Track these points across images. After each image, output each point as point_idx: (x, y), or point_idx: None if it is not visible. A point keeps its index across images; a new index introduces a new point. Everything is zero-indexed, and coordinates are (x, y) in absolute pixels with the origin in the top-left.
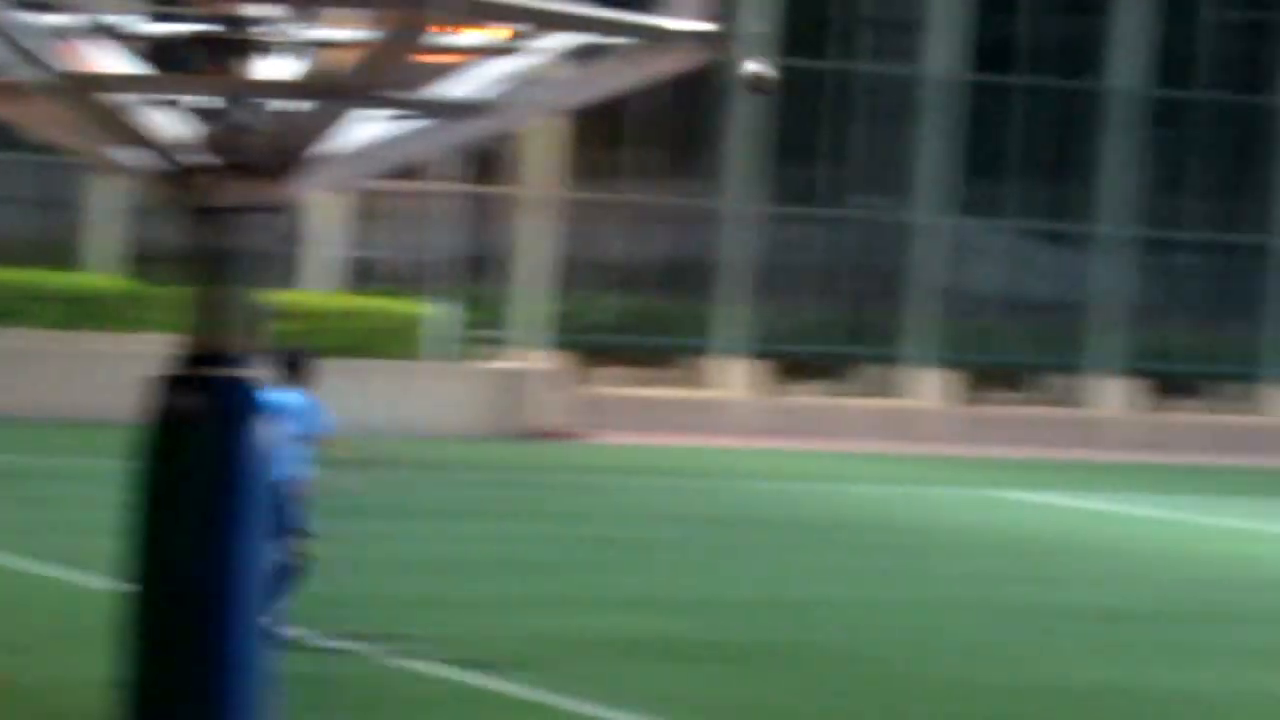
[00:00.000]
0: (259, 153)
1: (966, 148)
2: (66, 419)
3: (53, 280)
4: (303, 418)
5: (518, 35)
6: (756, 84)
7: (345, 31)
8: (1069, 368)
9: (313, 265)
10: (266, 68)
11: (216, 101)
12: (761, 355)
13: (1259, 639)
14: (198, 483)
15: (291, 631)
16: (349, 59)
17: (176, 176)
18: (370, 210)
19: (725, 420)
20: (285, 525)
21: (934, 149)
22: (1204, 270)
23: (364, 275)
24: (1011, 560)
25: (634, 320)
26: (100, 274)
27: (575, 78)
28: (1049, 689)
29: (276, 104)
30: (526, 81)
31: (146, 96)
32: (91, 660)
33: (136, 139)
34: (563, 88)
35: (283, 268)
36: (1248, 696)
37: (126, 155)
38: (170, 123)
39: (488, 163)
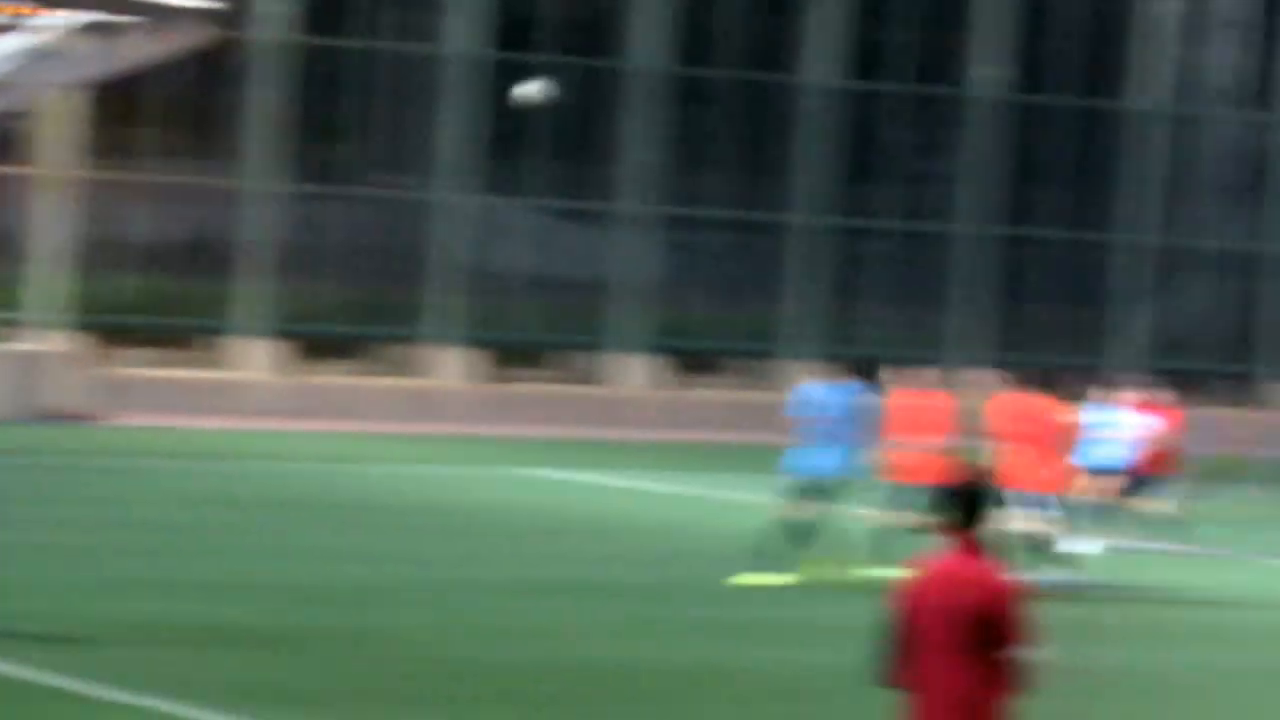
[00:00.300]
0: None
1: (489, 126)
2: None
3: None
4: None
5: (24, 12)
6: (531, 101)
7: None
8: (592, 346)
9: None
10: None
11: None
12: (283, 335)
13: (765, 613)
14: None
15: None
16: None
17: None
18: None
19: (247, 401)
20: None
21: (455, 128)
22: (724, 248)
23: None
24: (537, 539)
25: (155, 300)
26: None
27: (86, 54)
28: (565, 666)
29: None
30: (37, 58)
31: None
32: None
33: None
34: (74, 65)
35: None
36: (745, 668)
37: None
38: None
39: (1, 142)
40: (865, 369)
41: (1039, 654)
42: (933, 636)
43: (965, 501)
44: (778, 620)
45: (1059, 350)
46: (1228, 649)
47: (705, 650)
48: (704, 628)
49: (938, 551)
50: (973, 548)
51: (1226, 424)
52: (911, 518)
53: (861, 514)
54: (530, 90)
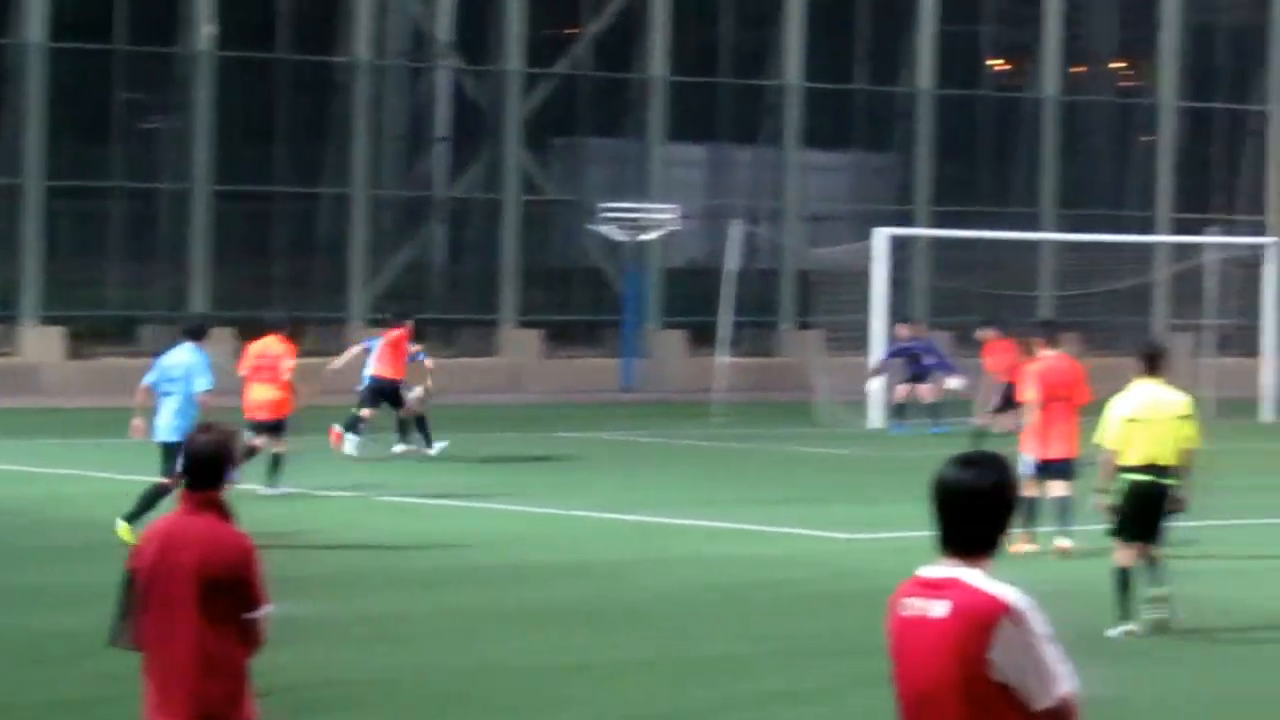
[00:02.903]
0: None
1: None
2: None
3: None
4: None
5: None
6: None
7: None
8: None
9: None
10: None
11: None
12: None
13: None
14: None
15: None
16: None
17: None
18: None
19: None
20: None
21: None
22: None
23: None
24: None
25: None
26: None
27: None
28: None
29: None
30: None
31: None
32: None
33: None
34: None
35: None
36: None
37: None
38: None
39: None
40: (194, 331)
41: (277, 609)
42: (163, 595)
43: (195, 461)
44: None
45: (301, 302)
46: (463, 591)
47: None
48: None
49: (172, 510)
50: (204, 506)
51: (471, 372)
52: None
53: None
54: None
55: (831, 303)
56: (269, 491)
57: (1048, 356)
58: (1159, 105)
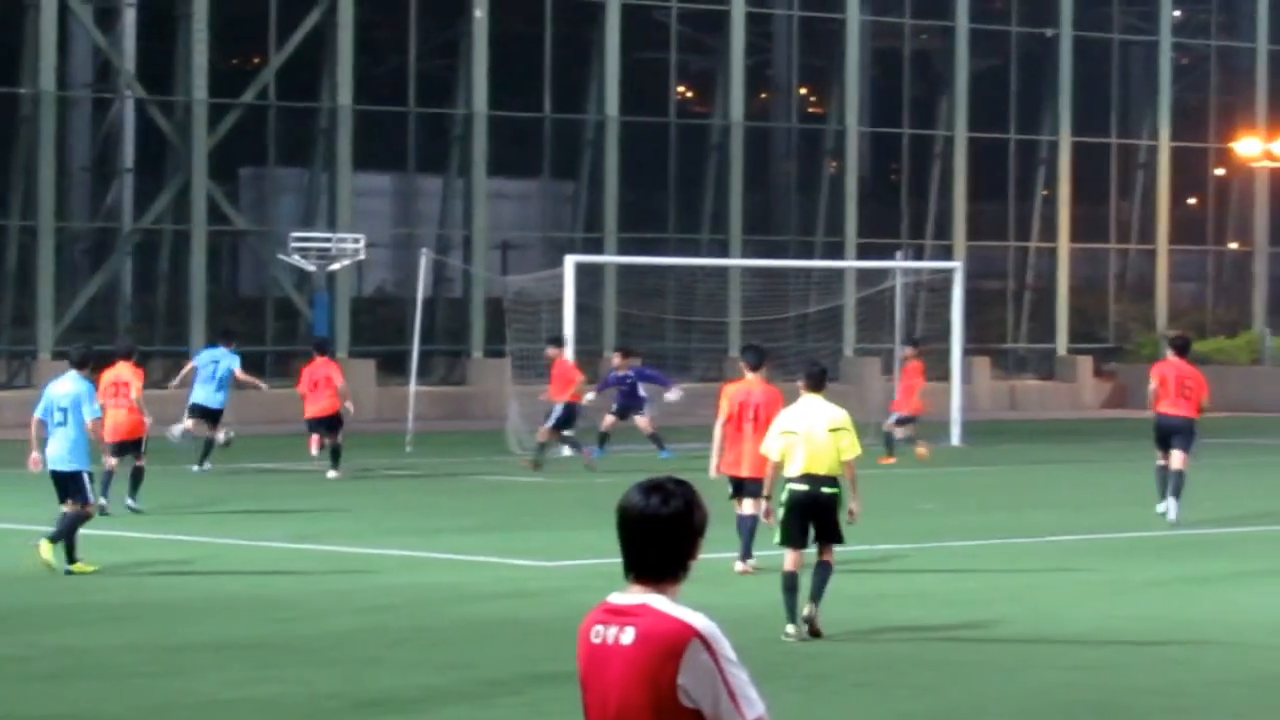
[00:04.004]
0: None
1: None
2: None
3: None
4: None
5: None
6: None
7: None
8: None
9: None
10: None
11: None
12: None
13: None
14: None
15: None
16: None
17: None
18: None
19: None
20: None
21: None
22: None
23: None
24: None
25: None
26: None
27: None
28: None
29: None
30: None
31: None
32: None
33: None
34: None
35: None
36: None
37: None
38: None
39: None
40: (80, 360)
41: None
42: None
43: None
44: None
45: None
46: (147, 625)
47: None
48: None
49: None
50: None
51: (162, 403)
52: None
53: None
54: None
55: (522, 331)
56: (131, 504)
57: (749, 379)
58: (845, 131)
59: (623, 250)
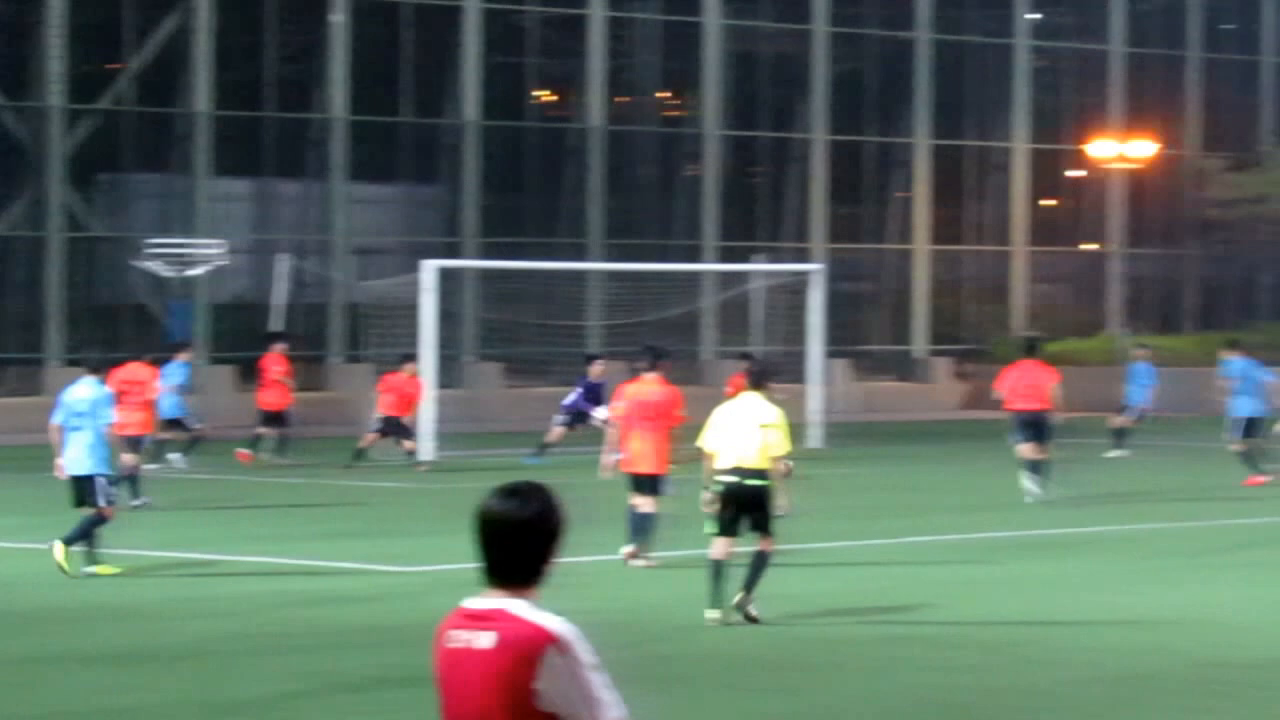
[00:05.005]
0: None
1: None
2: None
3: None
4: None
5: None
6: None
7: None
8: None
9: None
10: None
11: None
12: None
13: None
14: None
15: None
16: None
17: None
18: None
19: None
20: None
21: None
22: None
23: None
24: None
25: None
26: None
27: None
28: None
29: None
30: None
31: None
32: None
33: None
34: None
35: None
36: None
37: None
38: None
39: None
40: (96, 367)
41: None
42: None
43: None
44: None
45: None
46: (8, 636)
47: None
48: None
49: None
50: None
51: (19, 411)
52: None
53: None
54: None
55: (381, 336)
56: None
57: (647, 379)
58: (703, 135)
59: (482, 254)
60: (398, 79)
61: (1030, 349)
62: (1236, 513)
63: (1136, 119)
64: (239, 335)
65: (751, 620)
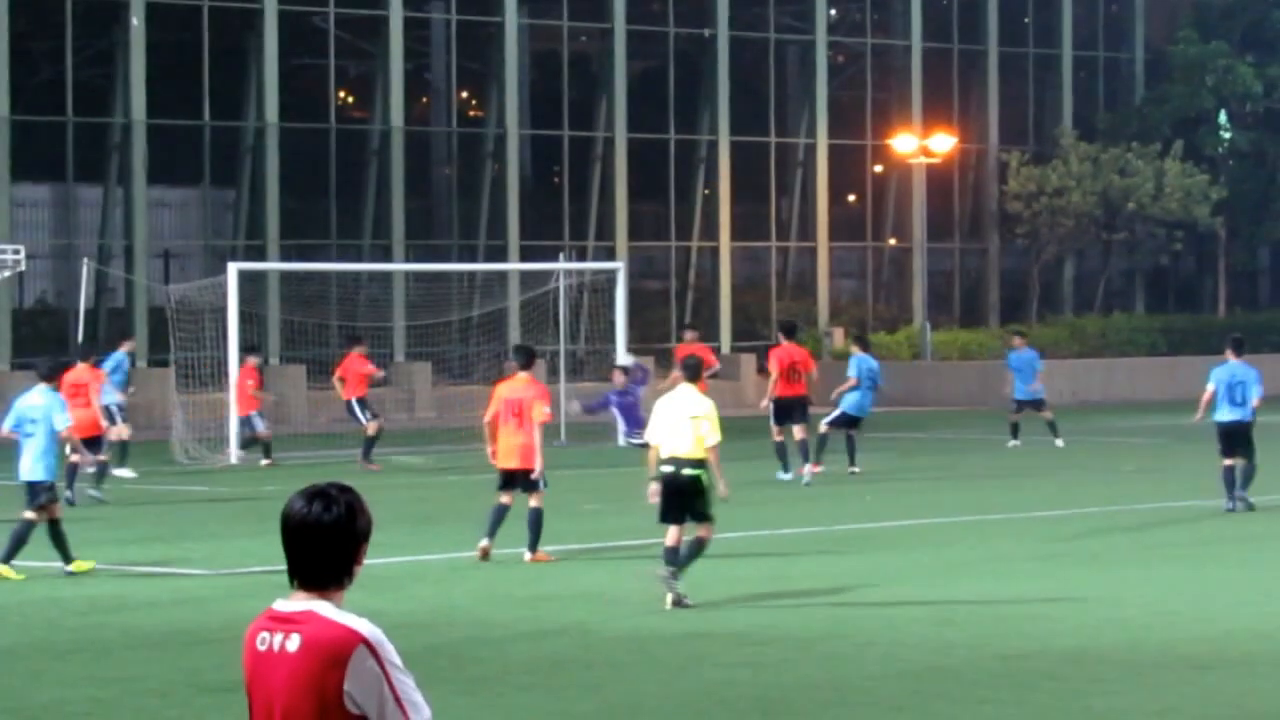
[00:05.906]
0: None
1: None
2: None
3: None
4: None
5: None
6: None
7: None
8: None
9: None
10: None
11: None
12: None
13: None
14: None
15: None
16: None
17: None
18: None
19: None
20: None
21: None
22: None
23: None
24: None
25: None
26: None
27: None
28: None
29: None
30: None
31: None
32: None
33: None
34: None
35: None
36: None
37: None
38: None
39: None
40: (48, 374)
41: None
42: None
43: None
44: None
45: None
46: None
47: None
48: None
49: None
50: None
51: None
52: None
53: None
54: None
55: (186, 339)
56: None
57: (519, 377)
58: (505, 134)
59: (285, 257)
60: (197, 82)
61: (789, 332)
62: (1055, 504)
63: (936, 114)
64: (43, 340)
65: (680, 604)
